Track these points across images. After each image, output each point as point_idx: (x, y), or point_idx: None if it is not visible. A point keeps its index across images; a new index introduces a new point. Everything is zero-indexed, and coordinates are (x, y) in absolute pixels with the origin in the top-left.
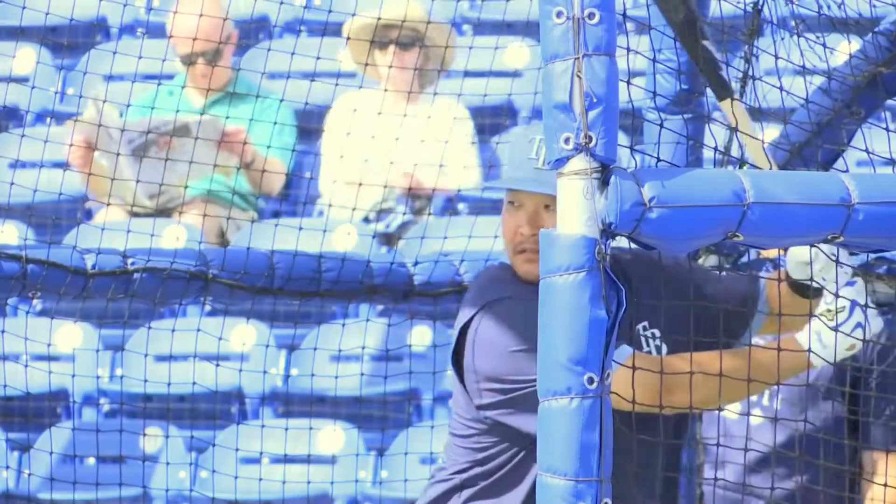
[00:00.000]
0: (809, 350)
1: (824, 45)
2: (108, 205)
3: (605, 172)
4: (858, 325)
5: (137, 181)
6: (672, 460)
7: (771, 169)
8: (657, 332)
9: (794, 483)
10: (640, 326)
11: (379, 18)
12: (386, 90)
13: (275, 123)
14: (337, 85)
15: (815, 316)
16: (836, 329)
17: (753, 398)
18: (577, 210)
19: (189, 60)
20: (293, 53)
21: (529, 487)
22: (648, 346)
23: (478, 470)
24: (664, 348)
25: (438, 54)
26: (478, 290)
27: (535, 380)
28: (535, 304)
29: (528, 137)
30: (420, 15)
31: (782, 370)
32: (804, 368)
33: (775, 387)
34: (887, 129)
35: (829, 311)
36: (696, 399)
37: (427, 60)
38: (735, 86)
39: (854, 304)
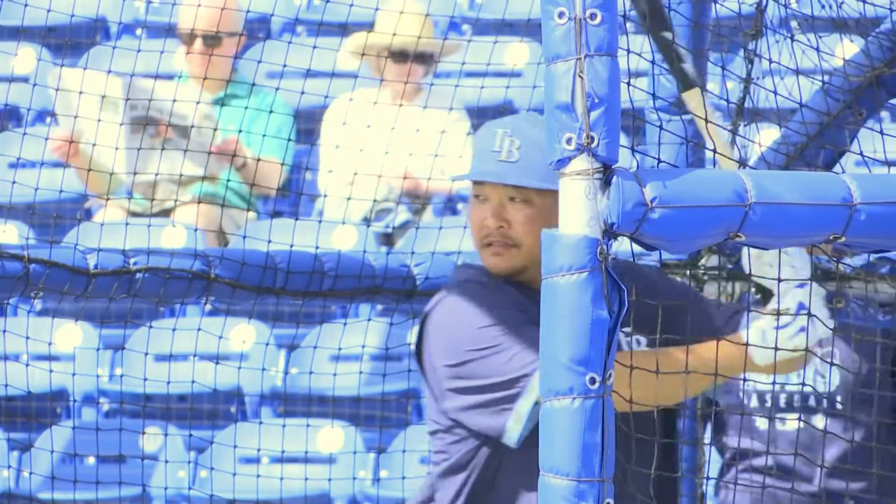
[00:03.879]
0: (748, 343)
1: (818, 50)
2: (108, 199)
3: (606, 173)
4: (801, 329)
5: (111, 144)
6: (665, 459)
7: (733, 160)
8: (640, 339)
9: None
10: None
11: (394, 34)
12: (396, 102)
13: (282, 136)
14: (331, 80)
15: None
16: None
17: (813, 402)
18: (579, 210)
19: (190, 39)
20: (290, 49)
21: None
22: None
23: (450, 475)
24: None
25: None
26: (446, 283)
27: (496, 373)
28: (501, 291)
29: (493, 130)
30: (431, 33)
31: (723, 367)
32: (743, 367)
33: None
34: (882, 133)
35: (774, 310)
36: (647, 395)
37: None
38: (736, 86)
39: (801, 307)
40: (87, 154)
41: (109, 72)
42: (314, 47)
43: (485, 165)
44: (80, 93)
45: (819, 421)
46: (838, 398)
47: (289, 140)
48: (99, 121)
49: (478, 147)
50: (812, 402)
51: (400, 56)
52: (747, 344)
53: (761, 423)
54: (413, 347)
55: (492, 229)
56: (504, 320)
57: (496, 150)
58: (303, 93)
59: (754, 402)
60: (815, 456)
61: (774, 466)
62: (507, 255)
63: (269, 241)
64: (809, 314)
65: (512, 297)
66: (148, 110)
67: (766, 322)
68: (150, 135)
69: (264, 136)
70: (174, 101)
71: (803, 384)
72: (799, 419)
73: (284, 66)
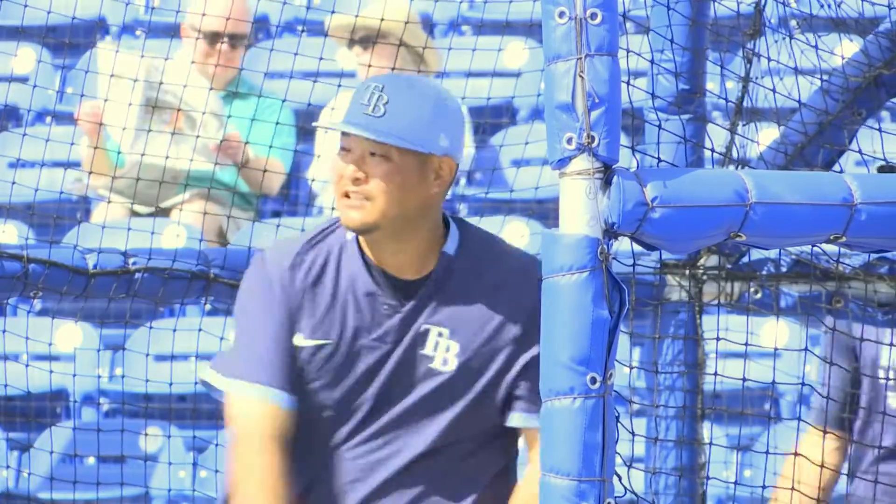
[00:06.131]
0: None
1: (817, 48)
2: (109, 202)
3: (607, 172)
4: None
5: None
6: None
7: None
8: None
9: None
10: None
11: (382, 19)
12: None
13: (277, 124)
14: (339, 86)
15: None
16: None
17: None
18: (579, 210)
19: (207, 38)
20: (295, 53)
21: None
22: (436, 348)
23: None
24: (454, 350)
25: (422, 58)
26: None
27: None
28: (273, 279)
29: (367, 84)
30: (414, 20)
31: None
32: None
33: None
34: (881, 130)
35: None
36: None
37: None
38: (735, 86)
39: None
40: (104, 137)
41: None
42: (321, 56)
43: (351, 117)
44: (81, 97)
45: None
46: None
47: (283, 123)
48: (130, 104)
49: (352, 99)
50: None
51: (383, 40)
52: None
53: (893, 403)
54: None
55: (348, 180)
56: (259, 319)
57: (365, 103)
58: (310, 97)
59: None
60: None
61: None
62: (359, 210)
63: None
64: None
65: (281, 302)
66: (156, 93)
67: None
68: (163, 121)
69: (246, 116)
70: (185, 85)
71: None
72: None
73: (292, 73)
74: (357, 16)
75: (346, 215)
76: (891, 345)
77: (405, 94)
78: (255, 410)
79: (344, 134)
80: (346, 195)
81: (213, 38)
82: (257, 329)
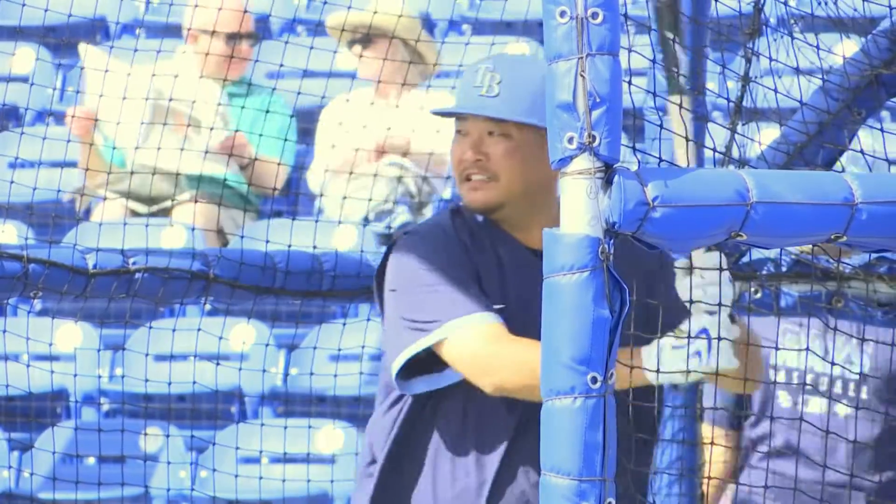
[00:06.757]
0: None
1: (817, 48)
2: (105, 199)
3: (608, 172)
4: (697, 353)
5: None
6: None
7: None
8: None
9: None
10: None
11: (376, 12)
12: (378, 89)
13: (283, 136)
14: (329, 77)
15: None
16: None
17: (838, 389)
18: (580, 209)
19: (197, 38)
20: (285, 42)
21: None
22: None
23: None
24: None
25: (417, 51)
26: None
27: (414, 310)
28: (447, 238)
29: (476, 67)
30: (411, 25)
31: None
32: (637, 383)
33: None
34: (882, 130)
35: (680, 331)
36: (515, 385)
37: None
38: (735, 85)
39: (703, 332)
40: (98, 142)
41: (136, 50)
42: (311, 48)
43: (465, 100)
44: (77, 93)
45: (841, 409)
46: (864, 388)
47: (283, 121)
48: (124, 98)
49: (462, 83)
50: (839, 387)
51: (380, 37)
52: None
53: (784, 402)
54: (376, 274)
55: (470, 162)
56: (443, 271)
57: (477, 85)
58: (299, 93)
59: (781, 378)
60: (833, 443)
61: (793, 450)
62: (484, 190)
63: (268, 241)
64: (713, 338)
65: (460, 254)
66: (160, 97)
67: (666, 341)
68: (169, 129)
69: (248, 117)
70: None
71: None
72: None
73: (282, 65)
74: (349, 7)
75: (470, 197)
76: (807, 339)
77: (516, 71)
78: (485, 329)
79: (458, 118)
80: (468, 178)
81: (228, 38)
82: (453, 277)
